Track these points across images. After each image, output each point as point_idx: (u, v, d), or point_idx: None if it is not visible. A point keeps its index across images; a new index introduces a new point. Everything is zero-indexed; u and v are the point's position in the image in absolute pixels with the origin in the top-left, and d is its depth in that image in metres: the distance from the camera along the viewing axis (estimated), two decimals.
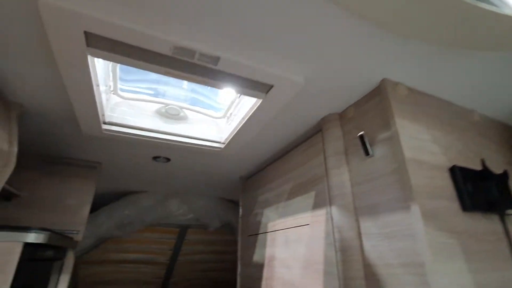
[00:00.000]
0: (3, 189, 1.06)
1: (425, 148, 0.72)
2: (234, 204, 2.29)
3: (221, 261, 2.61)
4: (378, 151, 0.76)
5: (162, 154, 1.35)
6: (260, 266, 1.23)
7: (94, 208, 1.78)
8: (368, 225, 0.75)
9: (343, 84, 0.81)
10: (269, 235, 1.21)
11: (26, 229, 0.79)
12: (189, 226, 2.19)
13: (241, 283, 1.40)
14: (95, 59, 0.74)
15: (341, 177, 0.86)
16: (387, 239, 0.68)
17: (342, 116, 0.95)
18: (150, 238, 2.18)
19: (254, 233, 1.36)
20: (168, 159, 1.41)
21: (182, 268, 2.49)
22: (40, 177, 1.33)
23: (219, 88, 0.88)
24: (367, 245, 0.75)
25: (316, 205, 0.93)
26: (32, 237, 0.79)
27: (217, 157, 1.39)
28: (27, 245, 0.78)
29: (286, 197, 1.13)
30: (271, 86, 0.80)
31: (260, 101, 0.87)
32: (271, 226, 1.21)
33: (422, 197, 0.64)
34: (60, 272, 1.19)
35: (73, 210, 1.32)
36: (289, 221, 1.07)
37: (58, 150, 1.33)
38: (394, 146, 0.71)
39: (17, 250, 0.76)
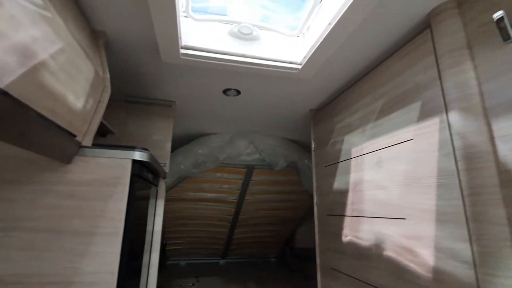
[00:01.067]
0: (101, 124, 1.16)
1: None
2: (298, 145, 2.25)
3: (285, 201, 2.70)
4: None
5: (233, 85, 1.31)
6: (342, 193, 1.19)
7: (171, 151, 1.93)
8: (505, 126, 0.62)
9: None
10: (353, 161, 1.14)
11: (132, 147, 0.85)
12: (255, 166, 2.25)
13: (319, 212, 1.40)
14: None
15: (463, 76, 0.70)
16: None
17: (461, 3, 0.75)
18: (221, 178, 2.32)
19: (333, 163, 1.30)
20: (238, 92, 1.37)
21: (249, 207, 2.66)
22: (127, 116, 1.43)
23: None
24: (503, 149, 0.62)
25: (423, 116, 0.81)
26: (138, 155, 0.85)
27: (290, 86, 1.30)
28: (134, 162, 0.85)
29: (375, 117, 1.02)
30: None
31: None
32: (355, 151, 1.13)
33: None
34: (156, 197, 1.33)
35: (158, 145, 1.42)
36: (382, 141, 0.97)
37: (138, 88, 1.39)
38: None
39: (128, 166, 0.83)
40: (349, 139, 1.18)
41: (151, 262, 1.24)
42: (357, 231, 1.07)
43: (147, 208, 1.22)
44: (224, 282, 2.48)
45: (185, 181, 2.27)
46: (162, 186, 1.36)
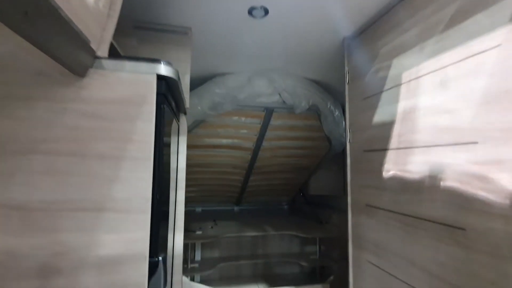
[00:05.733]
0: (110, 47, 1.00)
1: None
2: (321, 86, 2.08)
3: (303, 148, 2.62)
4: None
5: (259, 1, 1.11)
6: (385, 125, 1.07)
7: None
8: None
9: None
10: (403, 87, 0.99)
11: (157, 60, 0.71)
12: (275, 110, 2.11)
13: (353, 149, 1.30)
14: None
15: None
16: None
17: None
18: (238, 123, 2.20)
19: (373, 94, 1.15)
20: (266, 11, 1.17)
21: (265, 154, 2.59)
22: (138, 44, 1.26)
23: None
24: None
25: None
26: (164, 69, 0.71)
27: (325, 3, 1.09)
28: (160, 79, 0.72)
29: (441, 29, 0.84)
30: None
31: None
32: (407, 75, 0.97)
33: None
34: (178, 133, 1.23)
35: None
36: (450, 56, 0.81)
37: (149, 13, 1.20)
38: None
39: (153, 82, 0.70)
40: (399, 62, 1.02)
41: (178, 199, 1.19)
42: (405, 164, 0.97)
43: (169, 145, 1.13)
44: (240, 225, 2.54)
45: (200, 126, 2.17)
46: (184, 122, 1.25)
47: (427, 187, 0.87)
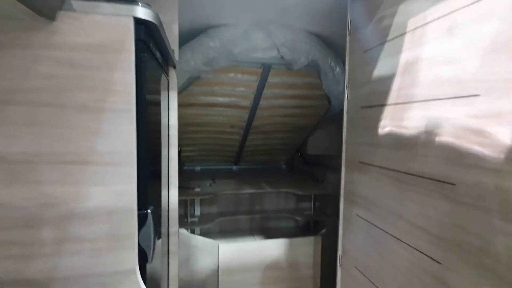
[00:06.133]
0: None
1: None
2: (322, 41, 1.95)
3: (301, 107, 2.56)
4: None
5: None
6: (385, 79, 1.02)
7: None
8: None
9: None
10: (408, 36, 0.92)
11: (132, 1, 0.64)
12: (272, 66, 2.02)
13: (350, 105, 1.26)
14: None
15: None
16: None
17: None
18: (235, 81, 2.12)
19: (376, 45, 1.08)
20: None
21: (263, 113, 2.54)
22: None
23: None
24: None
25: None
26: (142, 12, 0.64)
27: None
28: (138, 24, 0.65)
29: None
30: None
31: None
32: (413, 22, 0.89)
33: None
34: (168, 89, 1.18)
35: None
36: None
37: None
38: None
39: (131, 26, 0.64)
40: (406, 8, 0.93)
41: (171, 156, 1.19)
42: (401, 120, 0.94)
43: (159, 101, 1.08)
44: (238, 183, 2.60)
45: (195, 83, 2.09)
46: (173, 76, 1.19)
47: (421, 143, 0.85)
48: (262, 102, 2.41)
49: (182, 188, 2.43)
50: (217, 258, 1.77)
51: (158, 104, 1.04)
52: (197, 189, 2.41)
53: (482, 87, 0.67)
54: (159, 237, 0.77)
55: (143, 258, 0.70)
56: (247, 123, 2.67)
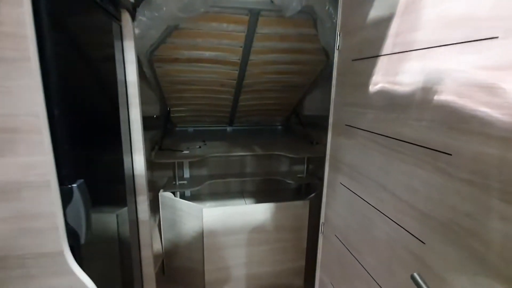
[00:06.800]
0: None
1: None
2: None
3: (297, 62, 2.33)
4: None
5: None
6: (381, 23, 0.82)
7: None
8: None
9: None
10: None
11: None
12: (261, 13, 1.75)
13: (341, 58, 1.07)
14: None
15: None
16: None
17: None
18: (219, 30, 1.88)
19: None
20: None
21: (254, 69, 2.33)
22: None
23: None
24: None
25: None
26: None
27: None
28: None
29: None
30: None
31: None
32: None
33: None
34: (122, 37, 0.99)
35: None
36: None
37: None
38: None
39: None
40: None
41: (132, 118, 1.05)
42: (396, 74, 0.77)
43: (107, 51, 0.91)
44: (229, 146, 2.50)
45: (174, 34, 1.86)
46: (127, 22, 0.99)
47: (417, 103, 0.69)
48: (252, 57, 2.18)
49: (169, 150, 2.35)
50: (201, 222, 1.74)
51: (104, 55, 0.87)
52: (186, 152, 2.31)
53: (502, 26, 0.49)
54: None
55: (74, 238, 0.60)
56: (238, 81, 2.47)
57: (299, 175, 2.55)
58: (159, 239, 2.06)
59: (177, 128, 3.25)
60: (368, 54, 0.89)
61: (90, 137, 0.73)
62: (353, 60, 0.98)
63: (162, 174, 2.51)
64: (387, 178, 0.81)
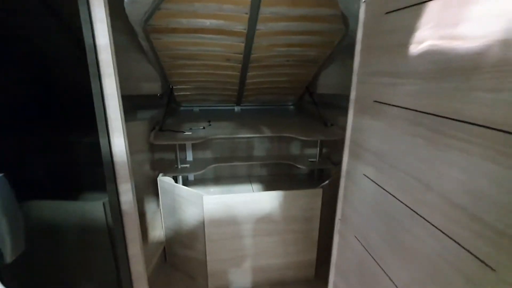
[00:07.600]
0: None
1: None
2: None
3: (311, 32, 2.05)
4: None
5: None
6: None
7: None
8: None
9: None
10: None
11: None
12: None
13: (368, 11, 0.82)
14: None
15: None
16: None
17: None
18: None
19: None
20: None
21: (262, 41, 2.07)
22: None
23: None
24: None
25: None
26: None
27: None
28: None
29: None
30: None
31: None
32: None
33: None
34: None
35: None
36: None
37: None
38: None
39: None
40: None
41: (106, 91, 0.85)
42: (455, 24, 0.53)
43: (68, 8, 0.70)
44: (236, 127, 2.30)
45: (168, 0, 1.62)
46: None
47: (491, 65, 0.46)
48: (259, 26, 1.92)
49: (170, 131, 2.18)
50: (202, 210, 1.59)
51: (56, 11, 0.67)
52: (188, 133, 2.14)
53: None
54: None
55: None
56: (245, 55, 2.22)
57: (311, 160, 2.34)
58: (161, 226, 1.95)
59: (182, 108, 3.07)
60: (410, 1, 0.64)
61: (28, 117, 0.55)
62: (386, 13, 0.73)
63: (164, 157, 2.37)
64: (433, 174, 0.59)
